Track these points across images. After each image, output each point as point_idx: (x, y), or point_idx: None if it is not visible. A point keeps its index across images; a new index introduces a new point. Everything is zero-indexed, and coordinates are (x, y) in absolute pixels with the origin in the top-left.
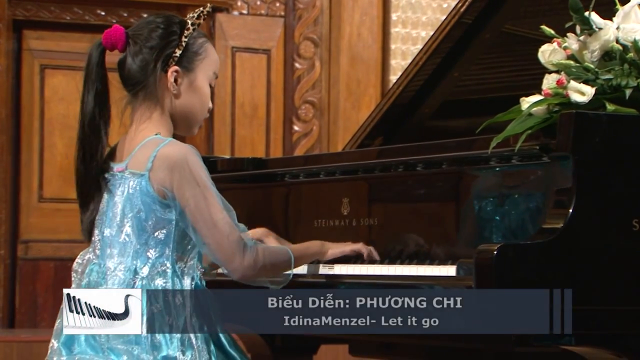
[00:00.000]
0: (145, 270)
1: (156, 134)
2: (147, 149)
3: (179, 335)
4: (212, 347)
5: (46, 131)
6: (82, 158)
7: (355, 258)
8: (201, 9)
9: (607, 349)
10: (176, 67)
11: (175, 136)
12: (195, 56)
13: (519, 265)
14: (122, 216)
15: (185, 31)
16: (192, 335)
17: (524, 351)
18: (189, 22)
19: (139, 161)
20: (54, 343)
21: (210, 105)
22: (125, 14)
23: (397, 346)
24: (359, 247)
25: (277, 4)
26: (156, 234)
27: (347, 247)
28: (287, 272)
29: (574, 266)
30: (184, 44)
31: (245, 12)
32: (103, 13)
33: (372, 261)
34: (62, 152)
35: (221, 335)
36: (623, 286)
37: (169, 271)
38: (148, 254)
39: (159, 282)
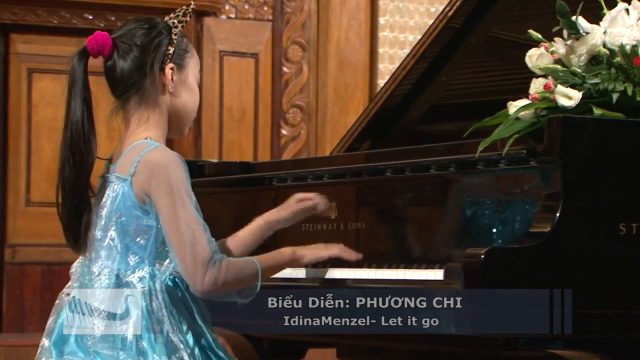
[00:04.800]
0: (126, 275)
1: (146, 138)
2: (132, 153)
3: (163, 340)
4: (197, 351)
5: (33, 135)
6: (73, 163)
7: (340, 261)
8: (185, 7)
9: (594, 353)
10: (172, 64)
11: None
12: (185, 53)
13: (507, 268)
14: (107, 220)
15: (174, 29)
16: (176, 340)
17: (511, 355)
18: (176, 20)
19: (124, 165)
20: (45, 342)
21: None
22: (113, 18)
23: (384, 350)
24: (337, 251)
25: (265, 8)
26: (138, 239)
27: (323, 253)
28: (255, 284)
29: (561, 270)
30: (175, 41)
31: (233, 16)
32: (91, 17)
33: (358, 263)
34: (50, 156)
35: (208, 337)
36: (610, 290)
37: (148, 277)
38: (129, 259)
39: (140, 288)
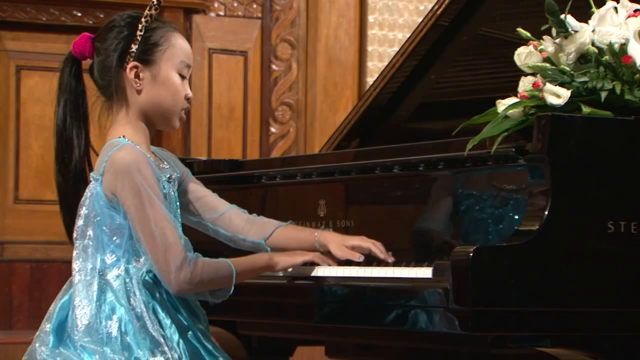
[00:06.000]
0: (105, 273)
1: (120, 137)
2: (103, 153)
3: (145, 335)
4: (182, 346)
5: (22, 132)
6: (59, 168)
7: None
8: (153, 0)
9: (582, 351)
10: (134, 63)
11: (157, 132)
12: (155, 47)
13: (495, 267)
14: (85, 219)
15: (139, 24)
16: (157, 335)
17: (500, 353)
18: (142, 16)
19: (97, 165)
20: (46, 326)
21: (190, 93)
22: (102, 15)
23: (373, 348)
24: (311, 257)
25: (254, 6)
26: (114, 238)
27: (298, 259)
28: (228, 286)
29: (549, 268)
30: (139, 37)
31: (222, 13)
32: (79, 14)
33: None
34: (38, 153)
35: (196, 331)
36: (598, 288)
37: (123, 274)
38: (106, 258)
39: (117, 285)
